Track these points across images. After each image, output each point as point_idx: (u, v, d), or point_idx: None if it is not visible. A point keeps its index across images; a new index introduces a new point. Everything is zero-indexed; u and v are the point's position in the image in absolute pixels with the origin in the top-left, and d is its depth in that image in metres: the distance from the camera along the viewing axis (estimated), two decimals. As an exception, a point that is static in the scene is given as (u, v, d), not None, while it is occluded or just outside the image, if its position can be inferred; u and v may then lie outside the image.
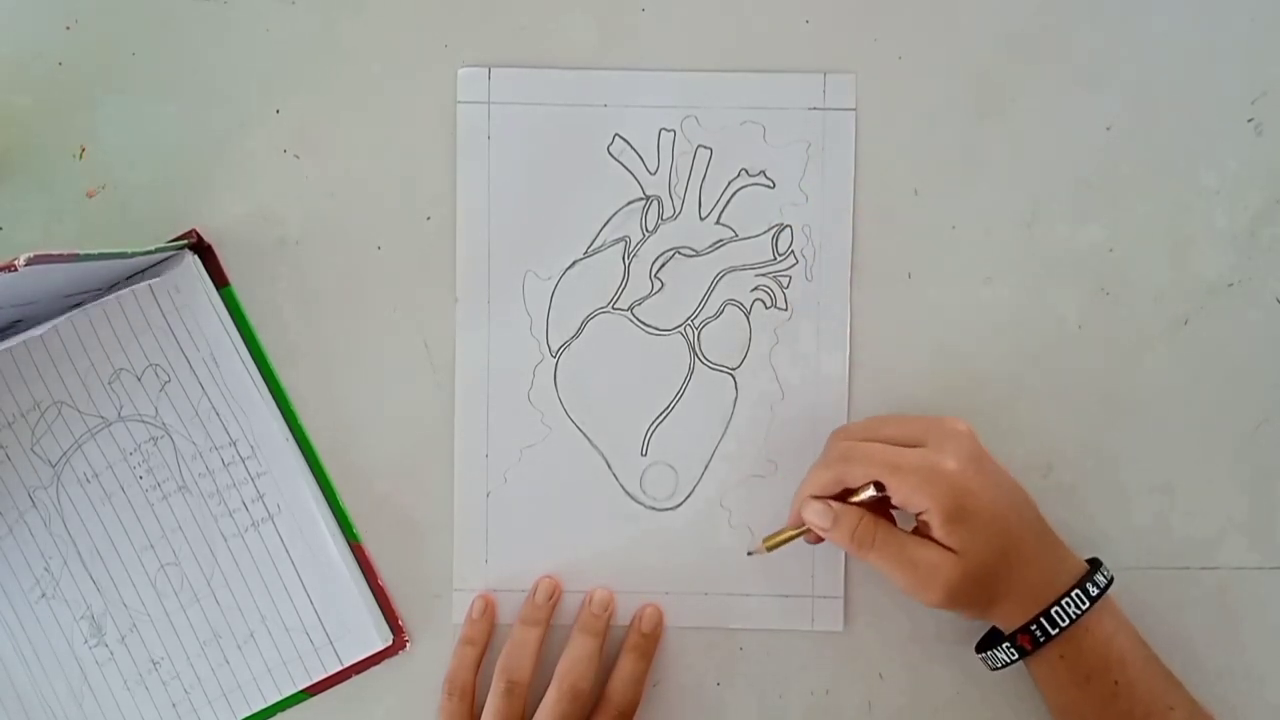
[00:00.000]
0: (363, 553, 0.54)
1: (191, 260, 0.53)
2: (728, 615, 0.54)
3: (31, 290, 0.46)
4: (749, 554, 0.54)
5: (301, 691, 0.54)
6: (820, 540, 0.51)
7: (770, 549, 0.52)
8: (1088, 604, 0.48)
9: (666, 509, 0.54)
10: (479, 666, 0.54)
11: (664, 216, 0.54)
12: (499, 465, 0.54)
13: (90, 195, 0.54)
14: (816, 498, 0.50)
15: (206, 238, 0.54)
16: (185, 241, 0.53)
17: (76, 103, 0.54)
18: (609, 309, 0.54)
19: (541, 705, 0.51)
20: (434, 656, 0.54)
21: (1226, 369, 0.54)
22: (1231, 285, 0.54)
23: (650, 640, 0.53)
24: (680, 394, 0.54)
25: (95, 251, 0.46)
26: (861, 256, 0.54)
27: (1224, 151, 0.54)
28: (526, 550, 0.54)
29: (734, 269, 0.54)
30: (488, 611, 0.54)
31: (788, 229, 0.54)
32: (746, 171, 0.54)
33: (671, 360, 0.54)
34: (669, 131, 0.54)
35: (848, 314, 0.54)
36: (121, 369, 0.53)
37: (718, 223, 0.54)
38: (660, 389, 0.54)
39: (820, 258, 0.54)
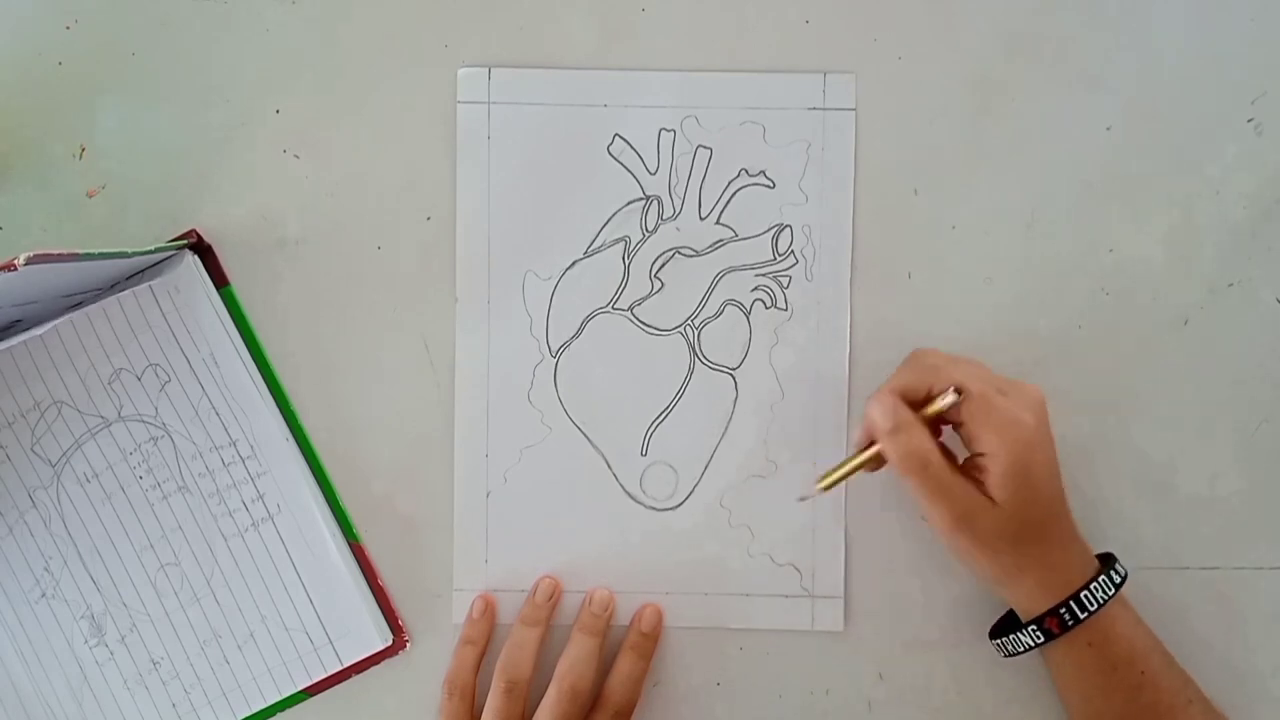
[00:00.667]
0: (363, 553, 0.54)
1: (191, 260, 0.53)
2: (728, 615, 0.54)
3: (32, 290, 0.46)
4: (800, 499, 0.53)
5: (301, 691, 0.54)
6: (878, 467, 0.49)
7: (827, 488, 0.50)
8: (1113, 590, 0.48)
9: (666, 509, 0.54)
10: (479, 666, 0.54)
11: (664, 216, 0.54)
12: (499, 465, 0.54)
13: (90, 195, 0.54)
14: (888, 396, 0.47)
15: (206, 238, 0.54)
16: (185, 241, 0.53)
17: (76, 103, 0.54)
18: (609, 309, 0.54)
19: (541, 705, 0.51)
20: (434, 656, 0.54)
21: (1226, 369, 0.54)
22: (1231, 285, 0.54)
23: (650, 640, 0.53)
24: (680, 394, 0.54)
25: (95, 251, 0.46)
26: (861, 256, 0.54)
27: (1224, 152, 0.54)
28: (526, 550, 0.54)
29: (734, 269, 0.54)
30: (488, 611, 0.54)
31: (788, 229, 0.54)
32: (746, 171, 0.54)
33: (671, 360, 0.54)
34: (669, 131, 0.54)
35: (848, 314, 0.54)
36: (121, 369, 0.54)
37: (718, 223, 0.54)
38: (660, 389, 0.54)
39: (820, 258, 0.54)
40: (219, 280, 0.54)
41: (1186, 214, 0.54)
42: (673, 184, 0.54)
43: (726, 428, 0.54)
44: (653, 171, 0.54)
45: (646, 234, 0.54)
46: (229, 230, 0.54)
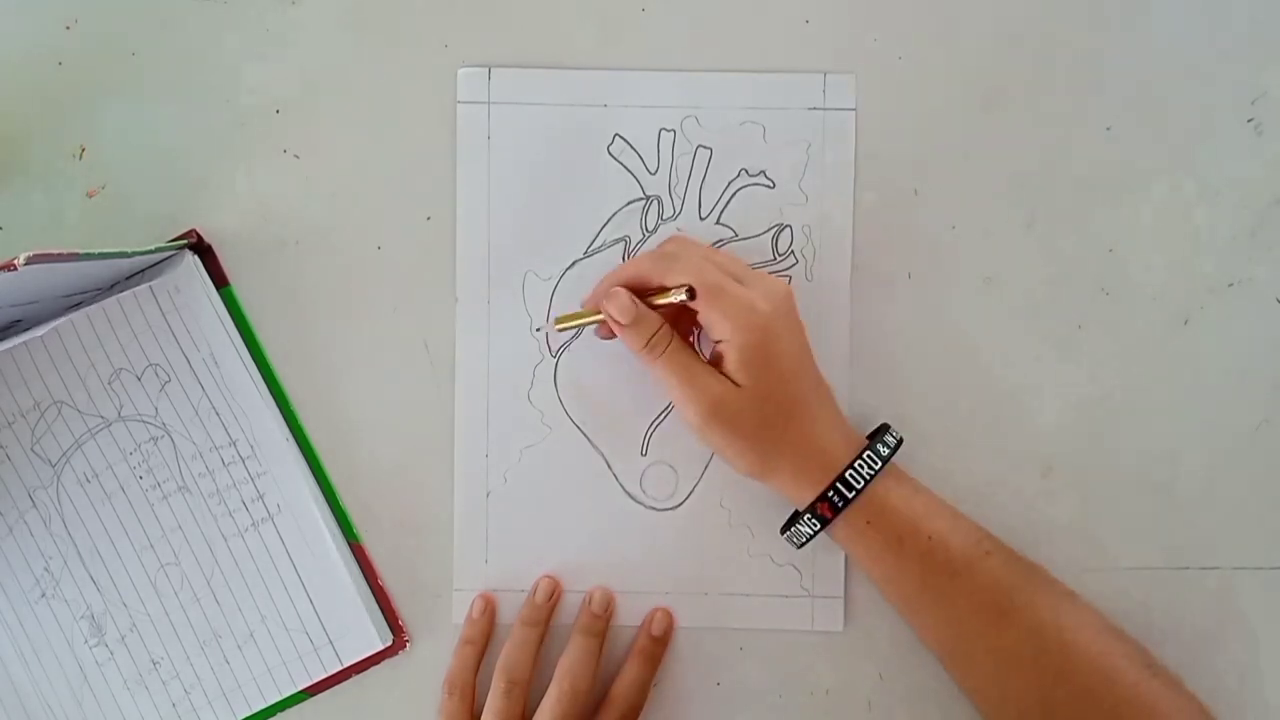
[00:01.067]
0: (363, 553, 0.54)
1: (191, 260, 0.53)
2: (728, 615, 0.54)
3: (31, 290, 0.46)
4: (537, 330, 0.54)
5: (301, 691, 0.54)
6: (611, 336, 0.51)
7: (560, 329, 0.52)
8: (880, 464, 0.49)
9: (666, 509, 0.54)
10: (479, 666, 0.54)
11: (664, 216, 0.54)
12: (499, 465, 0.54)
13: (90, 195, 0.54)
14: (628, 290, 0.50)
15: (206, 238, 0.54)
16: (185, 241, 0.53)
17: (76, 103, 0.54)
18: (609, 309, 0.54)
19: (541, 705, 0.51)
20: (434, 656, 0.54)
21: (1226, 369, 0.54)
22: (1231, 285, 0.54)
23: (660, 644, 0.53)
24: (680, 394, 0.54)
25: (95, 251, 0.46)
26: (861, 256, 0.54)
27: (1224, 151, 0.54)
28: (526, 550, 0.54)
29: (734, 269, 0.54)
30: (488, 611, 0.54)
31: (788, 229, 0.54)
32: (746, 171, 0.54)
33: (671, 360, 0.54)
34: (669, 131, 0.54)
35: (848, 314, 0.54)
36: (121, 369, 0.54)
37: (718, 223, 0.54)
38: (660, 389, 0.54)
39: (820, 258, 0.54)
40: (219, 280, 0.54)
41: (1186, 214, 0.54)
42: (673, 184, 0.54)
43: (726, 428, 0.54)
44: (653, 171, 0.54)
45: (647, 234, 0.54)
46: (229, 230, 0.54)
